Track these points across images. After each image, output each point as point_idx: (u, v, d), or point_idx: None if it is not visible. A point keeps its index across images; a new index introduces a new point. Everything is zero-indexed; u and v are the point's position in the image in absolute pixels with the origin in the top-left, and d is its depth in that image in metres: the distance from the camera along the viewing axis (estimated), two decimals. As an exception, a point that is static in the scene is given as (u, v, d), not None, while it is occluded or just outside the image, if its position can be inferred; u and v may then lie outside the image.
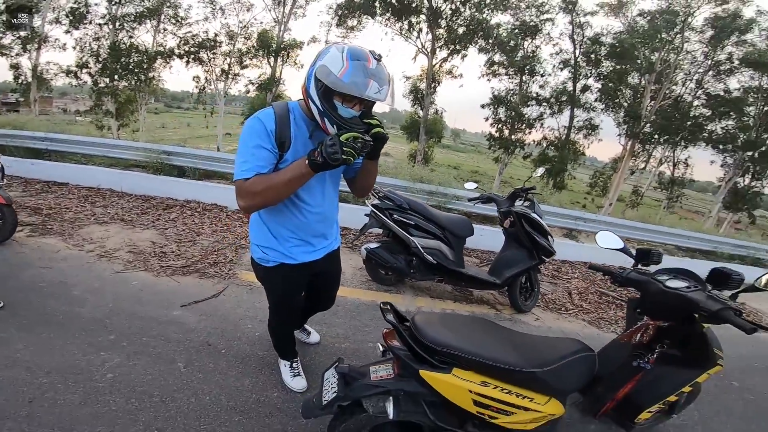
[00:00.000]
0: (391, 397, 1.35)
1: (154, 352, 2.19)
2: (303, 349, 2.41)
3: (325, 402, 1.36)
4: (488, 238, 4.70)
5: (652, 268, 1.75)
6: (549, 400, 1.41)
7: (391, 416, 1.31)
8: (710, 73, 18.35)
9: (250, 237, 1.72)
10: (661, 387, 1.60)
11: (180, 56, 17.95)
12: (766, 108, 17.76)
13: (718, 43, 17.17)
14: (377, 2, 17.56)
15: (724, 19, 16.55)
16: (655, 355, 1.57)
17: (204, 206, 4.77)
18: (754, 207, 19.48)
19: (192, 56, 18.02)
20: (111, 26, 16.87)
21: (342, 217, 4.79)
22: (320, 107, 1.34)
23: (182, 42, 17.89)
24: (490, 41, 17.77)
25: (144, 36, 18.03)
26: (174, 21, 17.86)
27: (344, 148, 1.25)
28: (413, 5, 17.54)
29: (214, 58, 18.56)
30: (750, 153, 18.09)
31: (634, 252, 1.81)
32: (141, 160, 5.66)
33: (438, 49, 18.49)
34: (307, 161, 1.31)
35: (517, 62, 18.61)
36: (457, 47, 18.00)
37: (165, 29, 18.02)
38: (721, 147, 18.56)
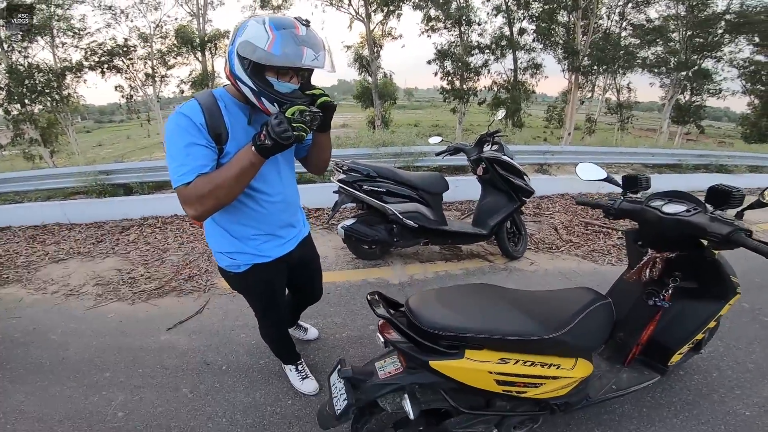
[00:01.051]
0: (406, 393, 1.23)
1: (155, 382, 2.10)
2: (304, 348, 2.30)
3: (339, 411, 1.23)
4: (463, 188, 4.65)
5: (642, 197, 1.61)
6: (576, 362, 1.32)
7: (411, 414, 1.17)
8: (630, 5, 19.00)
9: (210, 246, 1.51)
10: (686, 325, 1.50)
11: (91, 68, 16.47)
12: (688, 33, 18.68)
13: None
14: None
15: None
16: (670, 291, 1.45)
17: (163, 220, 4.45)
18: (699, 118, 20.91)
19: (105, 65, 16.59)
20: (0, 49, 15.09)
21: (312, 198, 4.64)
22: (253, 87, 1.17)
23: (89, 53, 16.37)
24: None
25: (42, 53, 16.43)
26: (70, 33, 16.21)
27: (293, 125, 1.12)
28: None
29: (132, 63, 17.19)
30: (684, 73, 19.04)
31: (619, 180, 1.67)
32: (80, 186, 5.16)
33: (373, 13, 17.88)
34: (253, 147, 1.15)
35: (452, 14, 18.32)
36: (391, 7, 17.42)
37: (63, 43, 16.36)
38: (655, 71, 19.45)
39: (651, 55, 19.66)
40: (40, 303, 2.95)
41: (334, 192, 3.06)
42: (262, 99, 1.19)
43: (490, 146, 3.22)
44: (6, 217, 4.55)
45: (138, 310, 2.80)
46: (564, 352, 1.29)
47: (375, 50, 18.71)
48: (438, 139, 3.47)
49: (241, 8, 20.43)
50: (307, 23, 1.15)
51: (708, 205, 1.37)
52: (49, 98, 15.92)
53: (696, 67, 19.02)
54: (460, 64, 19.24)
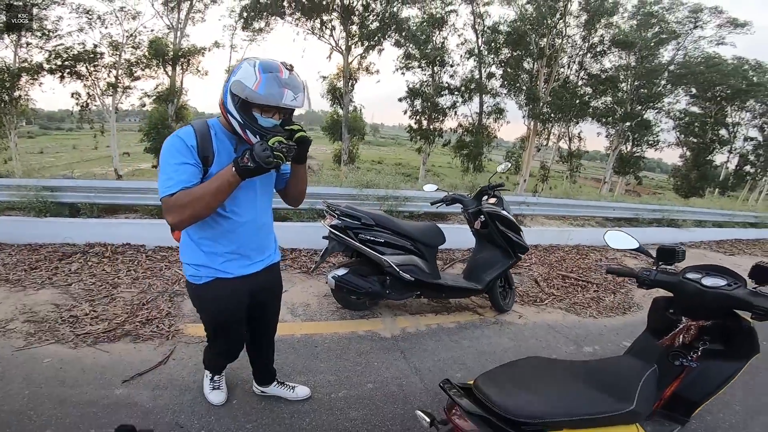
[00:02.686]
0: None
1: None
2: (297, 412, 2.02)
3: None
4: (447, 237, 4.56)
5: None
6: (637, 429, 1.36)
7: None
8: (588, 55, 20.95)
9: (181, 257, 1.63)
10: (711, 382, 1.59)
11: (51, 71, 15.41)
12: (635, 83, 20.72)
13: (591, 26, 19.53)
14: (285, 1, 16.71)
15: (594, 3, 18.75)
16: (699, 353, 1.54)
17: (113, 249, 3.90)
18: (638, 169, 22.86)
19: (67, 71, 15.57)
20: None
21: (288, 237, 4.33)
22: (240, 120, 1.38)
23: (53, 56, 15.36)
24: (404, 34, 18.02)
25: (2, 51, 15.10)
26: (40, 35, 15.21)
27: (274, 152, 1.29)
28: (324, 3, 17.04)
29: (95, 71, 16.26)
30: (628, 123, 21.00)
31: (652, 251, 1.76)
32: (17, 201, 4.48)
33: (353, 46, 18.26)
34: (234, 168, 1.31)
35: (428, 54, 19.17)
36: (372, 42, 17.93)
37: (28, 43, 15.28)
38: (603, 120, 21.40)
39: (601, 105, 21.57)
40: None
41: (324, 237, 2.84)
42: (247, 131, 1.39)
43: (487, 198, 3.17)
44: None
45: (83, 355, 2.37)
46: (631, 420, 1.36)
47: (350, 83, 18.97)
48: (433, 187, 3.37)
49: (222, 27, 20.12)
50: (291, 67, 1.36)
51: (749, 280, 1.52)
52: (-4, 98, 14.60)
53: (639, 118, 21.00)
54: (429, 103, 19.96)
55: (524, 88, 20.36)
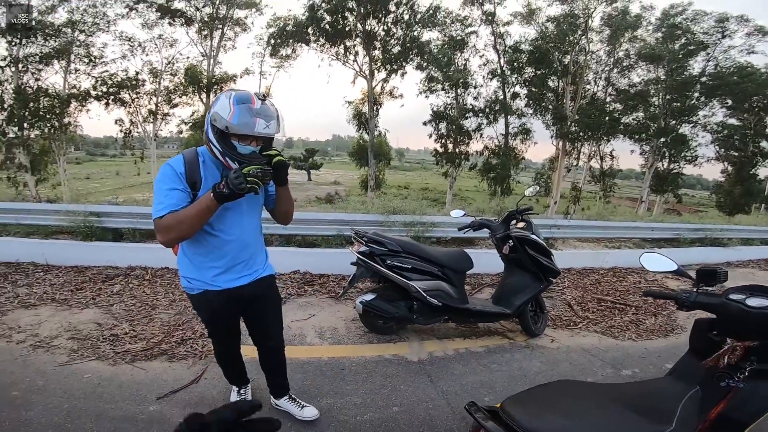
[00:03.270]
0: None
1: None
2: (322, 428, 2.05)
3: None
4: (474, 261, 4.51)
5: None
6: None
7: None
8: (615, 70, 20.50)
9: (178, 270, 1.79)
10: (759, 402, 1.52)
11: (98, 98, 16.35)
12: (667, 97, 20.05)
13: (615, 40, 19.17)
14: (310, 29, 17.47)
15: (616, 17, 18.47)
16: (746, 374, 1.48)
17: (153, 272, 4.10)
18: (677, 187, 21.74)
19: (111, 97, 16.52)
20: (14, 68, 14.97)
21: (319, 263, 4.39)
22: (220, 149, 1.52)
23: (98, 82, 16.33)
24: (426, 57, 18.35)
25: (53, 77, 16.23)
26: (87, 60, 16.27)
27: (248, 179, 1.42)
28: (347, 29, 17.70)
29: (137, 98, 17.24)
30: (662, 139, 20.22)
31: (691, 273, 1.71)
32: (66, 225, 4.81)
33: (377, 71, 18.75)
34: (212, 194, 1.45)
35: (450, 76, 19.37)
36: (395, 66, 18.35)
37: (77, 69, 16.34)
38: (636, 137, 20.63)
39: (632, 121, 20.79)
40: (3, 352, 2.61)
41: (352, 264, 2.89)
42: (227, 158, 1.53)
43: (516, 222, 3.14)
44: None
45: (121, 372, 2.46)
46: None
47: (375, 108, 19.35)
48: (461, 213, 3.38)
49: (251, 54, 21.18)
50: (263, 98, 1.49)
51: None
52: (48, 124, 15.62)
53: (674, 133, 20.07)
54: (454, 126, 19.99)
55: (550, 107, 20.06)
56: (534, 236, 3.03)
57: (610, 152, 22.08)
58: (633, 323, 3.79)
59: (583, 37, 18.80)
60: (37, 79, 15.46)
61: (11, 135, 15.20)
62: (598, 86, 21.18)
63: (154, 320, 3.17)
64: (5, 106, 14.78)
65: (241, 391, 2.18)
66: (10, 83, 15.02)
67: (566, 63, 19.01)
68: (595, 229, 6.08)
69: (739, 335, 1.52)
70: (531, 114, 20.79)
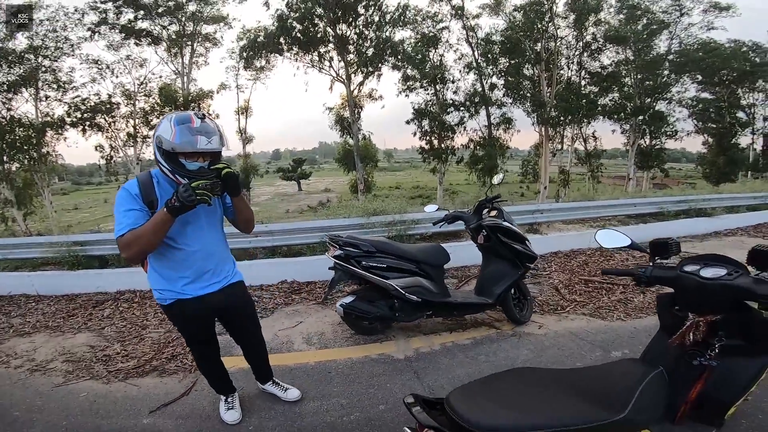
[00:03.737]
0: None
1: None
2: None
3: None
4: (458, 255, 4.54)
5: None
6: None
7: None
8: (585, 54, 20.77)
9: (149, 284, 1.89)
10: (739, 380, 1.48)
11: (73, 125, 16.21)
12: (638, 76, 20.43)
13: (580, 25, 19.42)
14: (282, 38, 17.49)
15: (578, 2, 18.72)
16: (716, 350, 1.42)
17: (142, 294, 4.16)
18: (662, 162, 22.11)
19: (87, 123, 16.38)
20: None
21: (302, 272, 4.41)
22: (169, 167, 1.63)
23: (72, 108, 16.18)
24: (399, 57, 18.43)
25: (24, 106, 15.95)
26: (56, 87, 16.05)
27: (197, 191, 1.53)
28: (318, 35, 17.73)
29: (114, 122, 17.11)
30: (640, 117, 20.56)
31: (645, 246, 1.67)
32: (51, 257, 4.83)
33: (353, 74, 18.80)
34: (165, 209, 1.55)
35: (427, 73, 19.49)
36: (370, 69, 18.42)
37: (47, 96, 16.13)
38: (614, 117, 20.97)
39: (609, 102, 21.12)
40: (2, 377, 2.78)
41: (330, 268, 2.90)
42: (177, 176, 1.63)
43: (488, 211, 3.19)
44: None
45: (114, 390, 2.58)
46: (632, 429, 1.25)
47: (356, 111, 19.41)
48: (434, 207, 3.42)
49: (225, 68, 21.17)
50: (202, 116, 1.62)
51: (750, 267, 1.39)
52: (26, 156, 15.41)
53: (651, 110, 20.48)
54: (437, 122, 20.11)
55: (528, 94, 20.30)
56: (506, 223, 3.05)
57: (593, 134, 22.45)
58: (621, 302, 3.72)
59: (550, 24, 19.02)
60: (8, 109, 15.25)
61: (-8, 170, 14.98)
62: (571, 71, 21.44)
63: (145, 339, 3.27)
64: None
65: (228, 400, 2.24)
66: (-21, 115, 14.77)
67: (538, 50, 19.22)
68: (578, 210, 6.11)
69: (699, 309, 1.45)
70: (511, 103, 21.06)
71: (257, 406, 2.32)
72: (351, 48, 18.16)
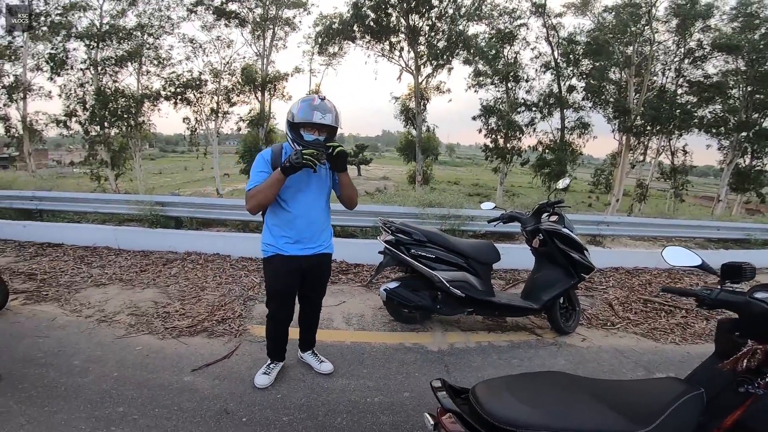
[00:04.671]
0: None
1: (169, 425, 1.98)
2: (331, 413, 2.13)
3: None
4: (510, 257, 4.42)
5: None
6: None
7: None
8: (686, 61, 18.65)
9: (261, 240, 2.23)
10: None
11: (167, 98, 17.90)
12: (749, 88, 17.94)
13: (684, 30, 17.49)
14: (355, 26, 17.76)
15: (683, 7, 16.85)
16: (767, 379, 1.34)
17: (206, 257, 4.49)
18: (760, 186, 19.36)
19: (179, 97, 17.98)
20: (93, 71, 16.77)
21: (351, 253, 4.53)
22: (291, 136, 2.02)
23: (167, 83, 17.85)
24: (472, 51, 17.93)
25: (128, 79, 17.97)
26: (156, 62, 17.84)
27: (305, 157, 1.84)
28: (391, 25, 17.75)
29: (201, 97, 18.59)
30: (744, 134, 18.11)
31: (717, 269, 1.56)
32: (135, 213, 5.42)
33: (422, 66, 18.63)
34: (280, 168, 1.91)
35: (500, 70, 18.76)
36: (441, 61, 18.13)
37: (148, 71, 18.00)
38: (713, 131, 18.62)
39: (709, 114, 18.89)
40: (72, 325, 2.95)
41: (380, 252, 2.96)
42: (295, 144, 2.00)
43: (548, 216, 3.05)
44: (61, 235, 4.79)
45: (167, 346, 2.74)
46: None
47: (422, 103, 19.24)
48: (491, 205, 3.34)
49: (301, 53, 21.99)
50: (322, 98, 1.99)
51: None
52: (125, 123, 17.35)
53: (757, 127, 18.03)
54: (505, 121, 19.36)
55: (611, 100, 18.81)
56: (566, 230, 2.91)
57: (683, 147, 20.20)
58: (679, 326, 3.52)
59: (647, 27, 17.34)
60: (114, 81, 17.23)
61: (93, 133, 17.03)
62: (666, 78, 19.45)
63: (202, 300, 3.47)
64: (87, 106, 16.60)
65: (270, 366, 2.38)
66: (91, 85, 16.82)
67: (629, 54, 17.65)
68: (649, 227, 5.68)
69: (762, 337, 1.40)
70: (590, 108, 19.64)
71: (288, 376, 2.43)
72: (422, 39, 17.96)
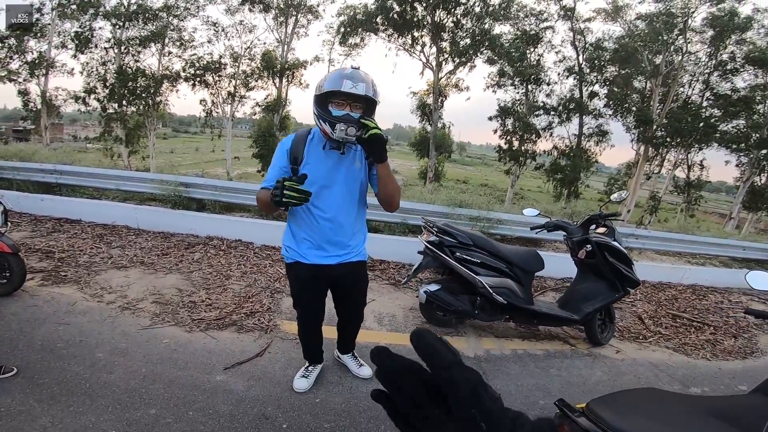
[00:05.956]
0: None
1: (206, 431, 1.85)
2: (375, 416, 2.05)
3: None
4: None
5: None
6: None
7: None
8: (716, 73, 18.23)
9: (282, 240, 1.97)
10: None
11: (186, 79, 17.85)
12: (776, 104, 17.48)
13: (719, 42, 17.08)
14: (379, 18, 17.53)
15: (722, 18, 16.43)
16: None
17: (228, 243, 4.37)
18: None
19: (198, 79, 17.92)
20: (116, 50, 16.81)
21: (380, 249, 4.42)
22: (317, 113, 1.65)
23: (188, 65, 17.81)
24: (497, 51, 17.67)
25: (149, 59, 17.97)
26: (179, 44, 17.81)
27: (285, 192, 1.45)
28: (415, 20, 17.51)
29: (219, 80, 18.50)
30: (764, 151, 17.74)
31: None
32: (157, 193, 5.32)
33: (444, 63, 18.39)
34: (271, 194, 1.52)
35: (523, 72, 18.47)
36: (464, 59, 17.88)
37: (170, 52, 17.98)
38: (733, 147, 18.24)
39: (732, 129, 18.45)
40: (93, 312, 2.76)
41: (419, 252, 2.88)
42: (321, 121, 1.64)
43: (596, 227, 2.96)
44: (80, 210, 4.65)
45: (194, 339, 2.58)
46: None
47: (440, 99, 19.03)
48: (534, 212, 3.25)
49: (321, 42, 21.77)
50: (356, 67, 1.65)
51: None
52: (143, 102, 17.35)
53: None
54: (522, 123, 19.12)
55: (634, 108, 18.48)
56: (616, 243, 2.84)
57: (701, 161, 19.88)
58: (709, 342, 3.55)
59: (680, 37, 16.96)
60: (136, 61, 17.22)
61: (110, 111, 17.06)
62: (693, 89, 19.02)
63: (227, 290, 3.31)
64: (107, 84, 16.60)
65: (309, 368, 2.25)
66: (113, 63, 16.82)
67: (657, 63, 17.28)
68: (677, 243, 5.60)
69: None
70: (610, 115, 19.33)
71: (325, 379, 2.32)
72: (446, 36, 17.70)
